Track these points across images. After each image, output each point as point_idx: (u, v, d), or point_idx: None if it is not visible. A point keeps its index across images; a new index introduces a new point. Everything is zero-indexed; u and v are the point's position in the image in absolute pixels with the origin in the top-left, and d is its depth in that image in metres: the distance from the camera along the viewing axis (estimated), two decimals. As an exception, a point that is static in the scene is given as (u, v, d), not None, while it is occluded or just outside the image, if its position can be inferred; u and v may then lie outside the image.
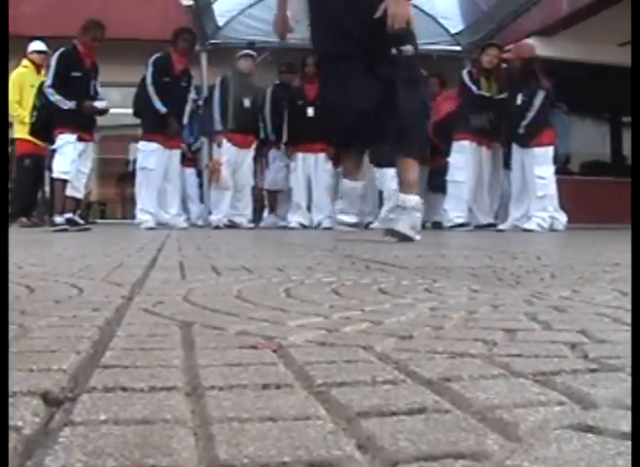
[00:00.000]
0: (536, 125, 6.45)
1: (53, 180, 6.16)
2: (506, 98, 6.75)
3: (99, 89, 6.18)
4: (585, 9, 7.46)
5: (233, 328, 0.82)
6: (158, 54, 6.86)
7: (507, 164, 7.03)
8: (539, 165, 6.46)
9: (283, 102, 7.63)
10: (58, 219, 5.90)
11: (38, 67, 7.44)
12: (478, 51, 7.71)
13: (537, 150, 6.49)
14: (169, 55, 6.86)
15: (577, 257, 2.53)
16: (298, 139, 7.54)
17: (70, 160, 5.91)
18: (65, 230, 5.65)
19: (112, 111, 6.53)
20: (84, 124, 5.95)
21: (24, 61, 7.61)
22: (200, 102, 7.95)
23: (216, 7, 8.85)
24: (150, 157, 6.85)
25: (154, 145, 6.82)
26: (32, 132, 6.43)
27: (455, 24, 9.54)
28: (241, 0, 9.24)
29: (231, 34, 9.06)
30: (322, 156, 7.56)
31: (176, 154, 7.12)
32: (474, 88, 6.95)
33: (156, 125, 6.75)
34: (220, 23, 9.15)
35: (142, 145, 6.97)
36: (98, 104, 6.00)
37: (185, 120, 7.05)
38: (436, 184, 7.63)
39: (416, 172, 3.82)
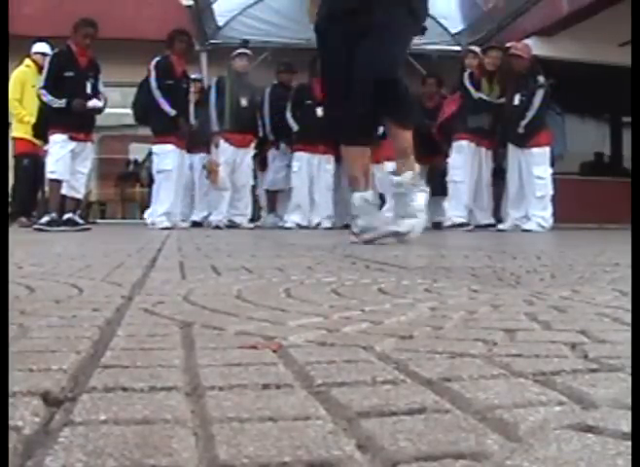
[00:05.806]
0: (535, 124, 6.45)
1: (50, 180, 6.18)
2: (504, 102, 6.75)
3: (101, 89, 6.15)
4: (585, 9, 7.45)
5: (233, 328, 0.82)
6: (158, 58, 6.83)
7: (499, 167, 7.01)
8: (538, 166, 6.47)
9: (282, 102, 7.61)
10: (43, 218, 5.91)
11: (40, 68, 7.45)
12: (465, 53, 7.65)
13: (535, 150, 6.49)
14: (169, 58, 6.84)
15: (577, 257, 2.53)
16: (304, 139, 7.51)
17: (55, 159, 5.94)
18: (45, 230, 5.63)
19: (112, 111, 6.52)
20: (76, 123, 5.92)
21: (27, 61, 7.62)
22: None
23: (216, 7, 8.85)
24: (166, 158, 6.85)
25: (169, 146, 6.82)
26: (33, 133, 6.49)
27: (455, 24, 9.54)
28: (241, 0, 9.24)
29: (231, 34, 9.06)
30: (325, 156, 7.55)
31: (183, 154, 7.16)
32: (473, 91, 6.95)
33: (167, 127, 6.74)
34: (220, 23, 9.15)
35: (157, 148, 6.95)
36: (90, 103, 5.95)
37: (192, 120, 7.06)
38: (435, 186, 7.62)
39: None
